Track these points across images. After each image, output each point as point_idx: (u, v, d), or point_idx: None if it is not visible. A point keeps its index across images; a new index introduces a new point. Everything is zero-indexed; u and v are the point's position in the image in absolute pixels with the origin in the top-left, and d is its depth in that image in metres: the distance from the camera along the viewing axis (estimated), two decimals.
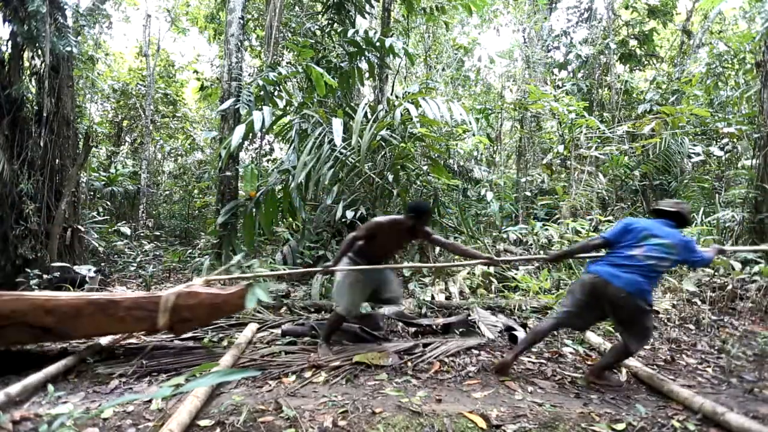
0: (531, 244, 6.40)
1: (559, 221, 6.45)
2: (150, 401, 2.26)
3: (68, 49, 5.48)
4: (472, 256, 3.47)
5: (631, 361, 2.96)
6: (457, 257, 5.64)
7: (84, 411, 2.16)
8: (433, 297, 4.78)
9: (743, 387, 2.74)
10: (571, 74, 11.33)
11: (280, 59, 8.75)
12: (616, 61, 10.80)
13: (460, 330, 3.76)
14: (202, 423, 2.06)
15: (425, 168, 6.36)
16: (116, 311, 2.91)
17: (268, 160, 10.72)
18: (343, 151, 5.26)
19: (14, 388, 2.31)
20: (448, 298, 4.90)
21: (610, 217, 7.08)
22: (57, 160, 5.68)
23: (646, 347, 3.17)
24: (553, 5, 12.91)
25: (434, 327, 3.86)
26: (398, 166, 5.69)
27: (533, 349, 3.36)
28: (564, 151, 8.16)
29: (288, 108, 6.27)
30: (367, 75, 7.10)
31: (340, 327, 3.36)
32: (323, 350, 3.12)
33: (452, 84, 11.65)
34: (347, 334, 3.51)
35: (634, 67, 11.33)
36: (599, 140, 8.16)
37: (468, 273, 5.32)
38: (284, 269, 3.29)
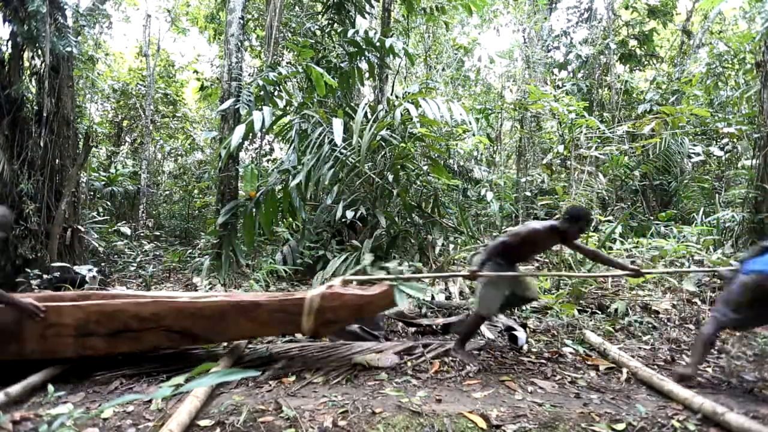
0: None
1: None
2: (150, 401, 2.26)
3: (68, 49, 5.48)
4: (617, 267, 3.26)
5: (631, 361, 2.96)
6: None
7: (84, 411, 2.16)
8: (433, 297, 4.78)
9: (743, 387, 2.74)
10: (571, 74, 11.33)
11: (280, 59, 8.75)
12: (616, 61, 10.80)
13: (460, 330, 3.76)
14: (202, 423, 2.06)
15: (425, 168, 6.36)
16: (260, 314, 2.81)
17: (268, 160, 10.72)
18: (344, 151, 5.26)
19: (14, 389, 2.30)
20: (448, 298, 4.90)
21: (610, 217, 7.09)
22: (57, 160, 5.68)
23: None
24: (553, 5, 12.91)
25: (434, 327, 3.86)
26: (398, 166, 5.69)
27: (533, 349, 3.36)
28: (564, 151, 8.16)
29: (288, 108, 6.27)
30: (367, 75, 7.10)
31: (478, 329, 3.29)
32: (464, 355, 3.05)
33: (452, 84, 11.65)
34: (347, 334, 3.51)
35: (634, 67, 11.34)
36: (599, 140, 8.16)
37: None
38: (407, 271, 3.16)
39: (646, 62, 11.53)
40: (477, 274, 3.07)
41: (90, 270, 5.21)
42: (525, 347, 3.37)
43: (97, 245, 7.03)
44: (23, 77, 5.48)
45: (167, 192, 13.41)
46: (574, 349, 3.33)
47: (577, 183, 7.49)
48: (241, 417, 2.09)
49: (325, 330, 3.00)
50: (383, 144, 5.66)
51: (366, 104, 5.72)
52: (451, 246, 6.17)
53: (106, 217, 9.34)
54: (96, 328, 2.66)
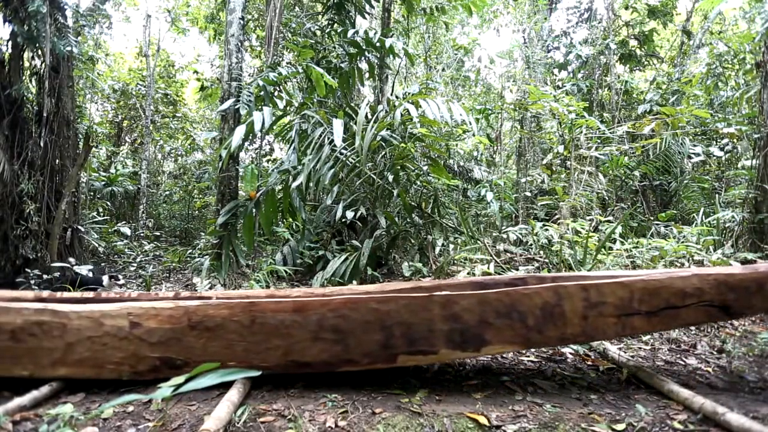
0: (531, 245, 6.40)
1: (558, 221, 6.45)
2: (150, 401, 2.26)
3: (68, 49, 5.48)
4: None
5: (631, 361, 2.96)
6: (457, 256, 5.65)
7: (84, 411, 2.16)
8: None
9: (743, 387, 2.74)
10: (571, 74, 11.34)
11: (280, 59, 8.76)
12: (616, 61, 10.81)
13: None
14: (202, 425, 2.06)
15: (425, 168, 6.36)
16: None
17: (268, 160, 10.73)
18: (344, 151, 5.26)
19: (25, 399, 2.25)
20: None
21: (610, 218, 7.09)
22: (57, 160, 5.69)
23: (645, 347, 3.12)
24: (553, 5, 12.93)
25: None
26: (398, 166, 5.69)
27: (532, 349, 3.36)
28: (564, 152, 8.17)
29: (288, 108, 6.27)
30: (367, 75, 7.10)
31: None
32: None
33: (452, 84, 11.66)
34: None
35: (634, 67, 11.35)
36: (599, 140, 8.17)
37: (468, 273, 5.31)
38: None
39: (646, 62, 11.54)
40: None
41: (112, 277, 5.27)
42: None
43: (97, 245, 7.04)
44: (23, 77, 5.49)
45: (167, 192, 13.42)
46: (573, 349, 3.33)
47: (577, 183, 7.49)
48: (241, 417, 2.09)
49: None
50: (383, 144, 5.66)
51: (367, 104, 5.72)
52: (451, 246, 6.17)
53: (106, 217, 9.35)
54: (638, 307, 2.49)
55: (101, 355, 2.36)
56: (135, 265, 7.04)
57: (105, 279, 5.16)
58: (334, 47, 7.22)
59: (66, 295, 3.15)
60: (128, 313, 2.38)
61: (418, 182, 6.31)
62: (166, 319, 2.38)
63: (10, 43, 5.41)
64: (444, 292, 2.53)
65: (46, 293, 3.15)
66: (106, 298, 3.05)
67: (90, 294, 3.15)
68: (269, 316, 2.40)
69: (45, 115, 5.43)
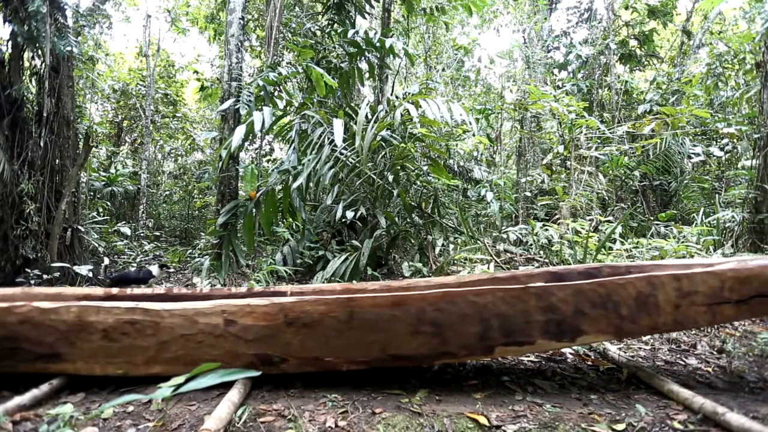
0: (531, 245, 6.40)
1: (558, 221, 6.45)
2: (150, 401, 2.26)
3: (68, 49, 5.48)
4: None
5: (631, 362, 2.96)
6: (458, 256, 5.65)
7: (84, 411, 2.16)
8: None
9: (743, 387, 2.74)
10: (571, 74, 11.35)
11: (281, 59, 8.76)
12: (616, 61, 10.81)
13: None
14: (201, 425, 2.06)
15: (425, 168, 6.36)
16: None
17: (268, 160, 10.73)
18: (344, 151, 5.26)
19: (25, 398, 2.24)
20: None
21: (610, 218, 7.09)
22: (57, 160, 5.69)
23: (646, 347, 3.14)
24: (553, 5, 12.94)
25: None
26: (398, 166, 5.69)
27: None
28: (564, 152, 8.18)
29: (288, 108, 6.28)
30: (367, 75, 7.10)
31: None
32: None
33: (452, 84, 11.67)
34: None
35: (634, 67, 11.36)
36: (599, 140, 8.17)
37: (468, 273, 5.31)
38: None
39: (646, 62, 11.55)
40: None
41: (162, 266, 5.27)
42: None
43: (97, 245, 7.04)
44: (23, 77, 5.49)
45: (167, 192, 13.42)
46: (573, 349, 3.33)
47: (577, 183, 7.49)
48: (241, 417, 2.09)
49: None
50: (383, 144, 5.66)
51: (367, 104, 5.72)
52: (451, 246, 6.17)
53: (106, 217, 9.35)
54: (729, 296, 2.49)
55: (196, 353, 2.36)
56: (135, 265, 7.03)
57: (155, 269, 5.10)
58: (334, 47, 7.22)
59: (137, 291, 3.13)
60: (222, 311, 2.38)
61: (418, 182, 6.31)
62: (261, 316, 2.37)
63: (10, 43, 5.41)
64: (539, 284, 2.52)
65: (115, 290, 3.10)
66: (180, 294, 3.03)
67: (161, 290, 3.13)
68: (367, 311, 2.39)
69: (45, 115, 5.43)
